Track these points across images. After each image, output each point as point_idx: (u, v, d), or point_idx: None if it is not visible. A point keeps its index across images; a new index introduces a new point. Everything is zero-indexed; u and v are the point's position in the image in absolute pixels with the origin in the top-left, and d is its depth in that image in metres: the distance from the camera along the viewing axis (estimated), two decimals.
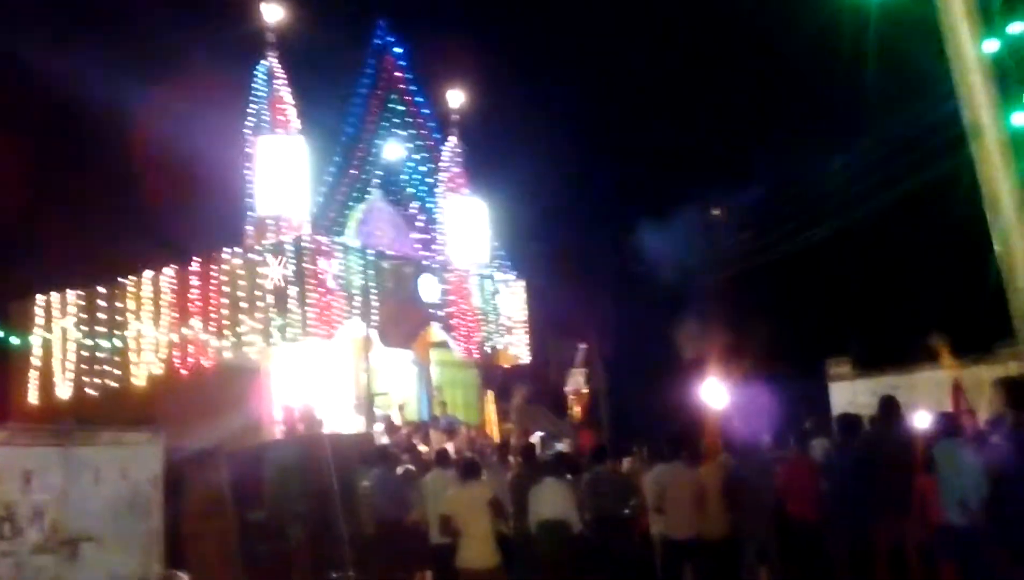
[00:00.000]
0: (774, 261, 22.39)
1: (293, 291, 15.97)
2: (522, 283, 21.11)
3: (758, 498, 9.61)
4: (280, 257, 16.12)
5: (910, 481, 9.00)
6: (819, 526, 9.67)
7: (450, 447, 13.48)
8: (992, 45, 9.90)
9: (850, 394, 17.71)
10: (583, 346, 16.68)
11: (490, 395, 18.74)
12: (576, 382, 17.41)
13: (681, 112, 27.36)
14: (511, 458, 12.56)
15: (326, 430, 13.77)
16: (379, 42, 20.57)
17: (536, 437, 14.89)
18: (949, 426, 9.19)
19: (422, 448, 13.80)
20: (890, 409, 9.70)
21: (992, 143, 5.15)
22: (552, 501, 10.27)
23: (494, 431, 17.41)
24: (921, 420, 10.40)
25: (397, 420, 15.83)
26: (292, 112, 17.51)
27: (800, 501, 9.66)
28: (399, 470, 11.57)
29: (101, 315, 18.17)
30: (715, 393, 18.55)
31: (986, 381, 13.85)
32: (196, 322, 16.85)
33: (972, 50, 5.20)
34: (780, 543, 9.59)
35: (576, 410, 17.30)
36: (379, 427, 15.15)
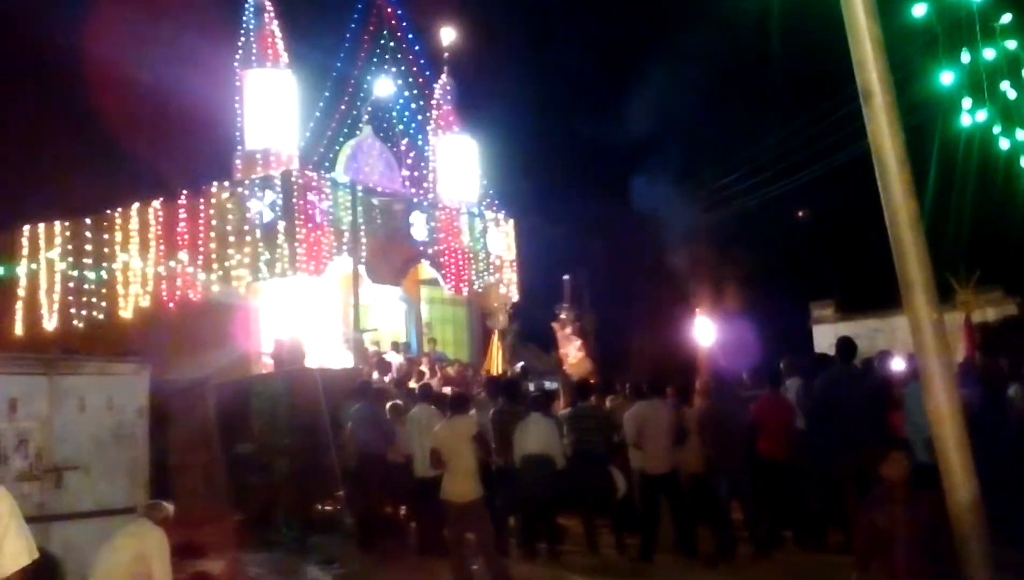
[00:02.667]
0: (764, 202, 22.45)
1: (281, 226, 15.97)
2: (511, 222, 21.13)
3: (732, 435, 9.74)
4: (269, 191, 16.09)
5: (869, 418, 9.18)
6: (790, 464, 9.88)
7: (437, 383, 13.61)
8: (920, 9, 10.08)
9: (832, 336, 17.91)
10: (567, 278, 16.69)
11: (498, 334, 18.65)
12: (563, 318, 17.43)
13: (674, 51, 27.15)
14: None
15: (313, 365, 13.88)
16: None
17: (518, 367, 15.00)
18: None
19: (411, 384, 13.90)
20: (846, 350, 9.86)
21: (880, 105, 5.49)
22: (537, 436, 10.43)
23: (496, 368, 17.38)
24: (897, 363, 10.64)
25: (393, 358, 15.89)
26: (281, 46, 17.35)
27: (771, 440, 9.83)
28: (388, 405, 11.68)
29: (88, 247, 18.13)
30: (703, 332, 18.70)
31: (955, 326, 14.12)
32: (184, 255, 16.85)
33: (864, 20, 5.52)
34: (753, 480, 9.74)
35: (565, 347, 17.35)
36: (371, 362, 15.24)
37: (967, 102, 11.92)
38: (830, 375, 9.95)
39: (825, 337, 16.70)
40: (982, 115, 12.01)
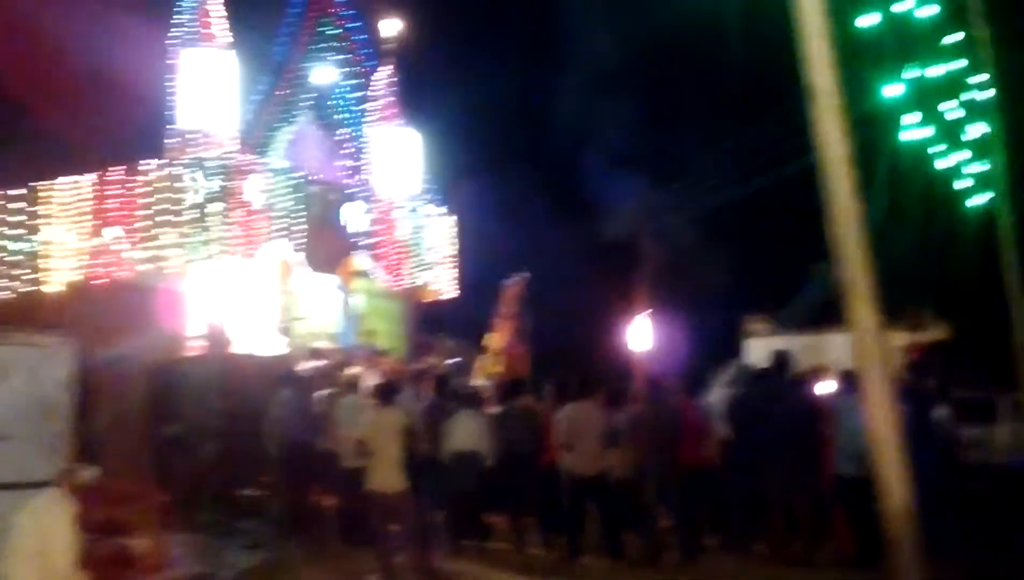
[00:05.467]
0: (707, 212, 22.63)
1: (215, 208, 15.73)
2: (452, 217, 21.09)
3: (662, 440, 9.88)
4: (202, 172, 15.84)
5: (798, 431, 9.49)
6: (715, 472, 10.12)
7: (369, 375, 13.53)
8: (872, 19, 10.31)
9: (764, 350, 18.18)
10: (506, 282, 16.69)
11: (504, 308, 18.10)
12: (499, 318, 17.38)
13: (621, 47, 27.25)
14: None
15: (240, 351, 13.73)
16: None
17: (449, 366, 14.99)
18: (850, 383, 9.64)
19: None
20: (781, 363, 10.23)
21: (827, 106, 5.58)
22: (465, 433, 10.51)
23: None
24: (829, 378, 10.92)
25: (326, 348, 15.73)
26: (221, 26, 17.07)
27: (687, 447, 9.99)
28: (323, 393, 11.61)
29: (14, 218, 17.68)
30: (639, 337, 18.85)
31: (894, 346, 14.49)
32: (115, 232, 16.49)
33: (815, 18, 5.60)
34: (681, 487, 9.88)
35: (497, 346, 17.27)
36: (301, 351, 15.10)
37: (910, 117, 12.16)
38: (764, 386, 10.30)
39: (758, 351, 16.96)
40: (925, 132, 12.27)
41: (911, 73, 11.86)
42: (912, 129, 12.37)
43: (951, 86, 12.19)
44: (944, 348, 18.89)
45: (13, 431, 7.94)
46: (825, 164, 5.57)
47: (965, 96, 12.24)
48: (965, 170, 12.91)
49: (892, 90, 11.98)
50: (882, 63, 11.72)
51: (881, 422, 5.37)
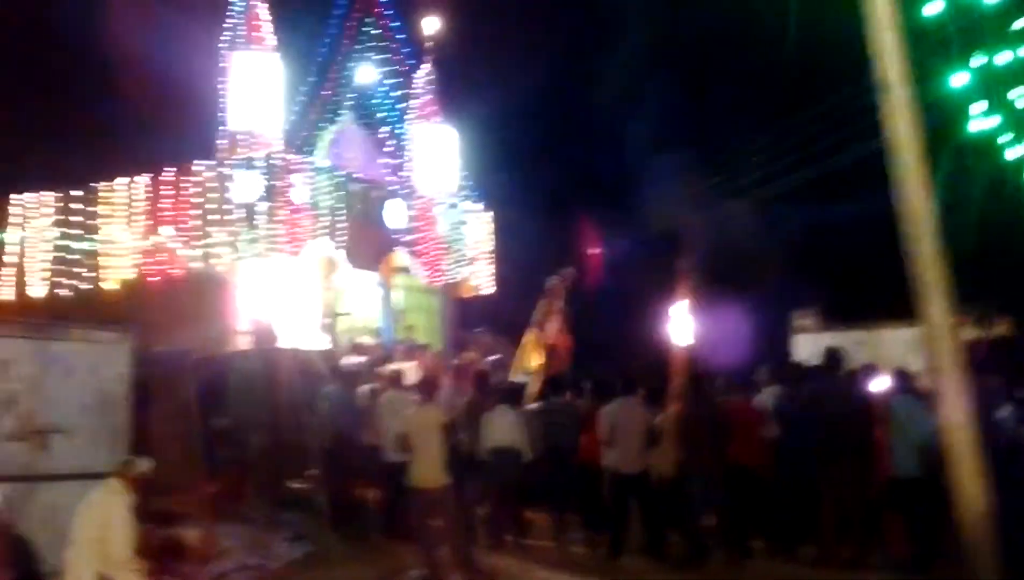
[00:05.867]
0: (755, 203, 22.37)
1: (262, 207, 16.13)
2: (490, 214, 21.33)
3: (705, 439, 9.77)
4: (251, 172, 16.24)
5: (853, 431, 9.27)
6: (764, 473, 9.90)
7: (410, 370, 13.80)
8: (936, 6, 9.94)
9: (813, 346, 18.02)
10: (552, 278, 16.78)
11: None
12: (541, 315, 17.45)
13: (667, 46, 27.15)
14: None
15: (286, 346, 14.04)
16: None
17: (489, 362, 15.19)
18: (906, 382, 9.49)
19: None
20: (834, 360, 9.94)
21: (899, 98, 5.45)
22: (503, 428, 10.63)
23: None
24: (882, 376, 10.41)
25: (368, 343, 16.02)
26: (268, 29, 17.44)
27: (742, 446, 9.85)
28: (365, 388, 11.86)
29: (75, 218, 18.21)
30: (684, 333, 18.79)
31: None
32: (167, 231, 16.96)
33: (886, 9, 5.48)
34: (726, 486, 9.75)
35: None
36: (346, 346, 15.42)
37: (977, 107, 11.54)
38: (816, 385, 10.00)
39: (806, 347, 16.79)
40: (992, 122, 11.61)
41: (978, 61, 11.34)
42: (979, 119, 11.75)
43: (1020, 73, 11.60)
44: (1009, 345, 18.52)
45: (76, 425, 8.27)
46: (897, 160, 5.40)
47: None
48: None
49: (959, 79, 11.43)
50: (948, 51, 11.25)
51: (956, 423, 5.22)
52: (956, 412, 5.26)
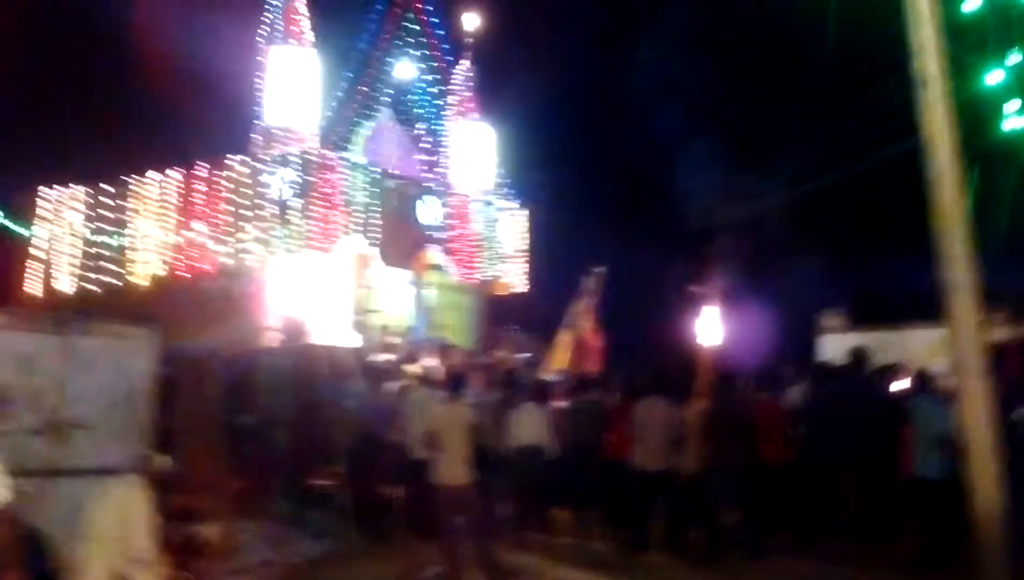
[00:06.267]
0: (784, 205, 22.17)
1: (296, 203, 16.17)
2: (525, 212, 21.25)
3: (732, 437, 9.74)
4: (287, 168, 16.29)
5: (875, 430, 9.27)
6: (789, 471, 9.87)
7: (439, 368, 13.77)
8: (974, 3, 9.79)
9: (840, 346, 17.84)
10: (587, 278, 16.66)
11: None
12: (575, 314, 17.35)
13: (701, 45, 26.91)
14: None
15: (315, 343, 14.07)
16: None
17: (519, 361, 15.12)
18: (927, 383, 9.46)
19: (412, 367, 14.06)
20: (859, 359, 9.98)
21: (937, 93, 5.37)
22: (530, 426, 10.60)
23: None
24: (906, 376, 10.58)
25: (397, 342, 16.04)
26: (306, 24, 17.50)
27: (770, 444, 9.83)
28: (394, 386, 11.84)
29: (106, 213, 18.38)
30: (711, 331, 18.65)
31: None
32: (199, 226, 17.08)
33: (926, 3, 5.38)
34: (751, 483, 9.71)
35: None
36: (375, 344, 15.42)
37: (1013, 105, 11.42)
38: (839, 383, 10.04)
39: (833, 347, 16.59)
40: None
41: (1014, 59, 11.20)
42: (1014, 117, 11.62)
43: None
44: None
45: (97, 420, 8.29)
46: (932, 156, 5.35)
47: None
48: None
49: (994, 77, 11.32)
50: (984, 48, 11.13)
51: (976, 422, 5.20)
52: (976, 413, 5.17)
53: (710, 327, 18.71)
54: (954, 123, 5.32)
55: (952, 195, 5.27)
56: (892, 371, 11.10)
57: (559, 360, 16.27)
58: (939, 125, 5.34)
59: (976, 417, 5.23)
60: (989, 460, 5.17)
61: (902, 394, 10.13)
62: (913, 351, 12.89)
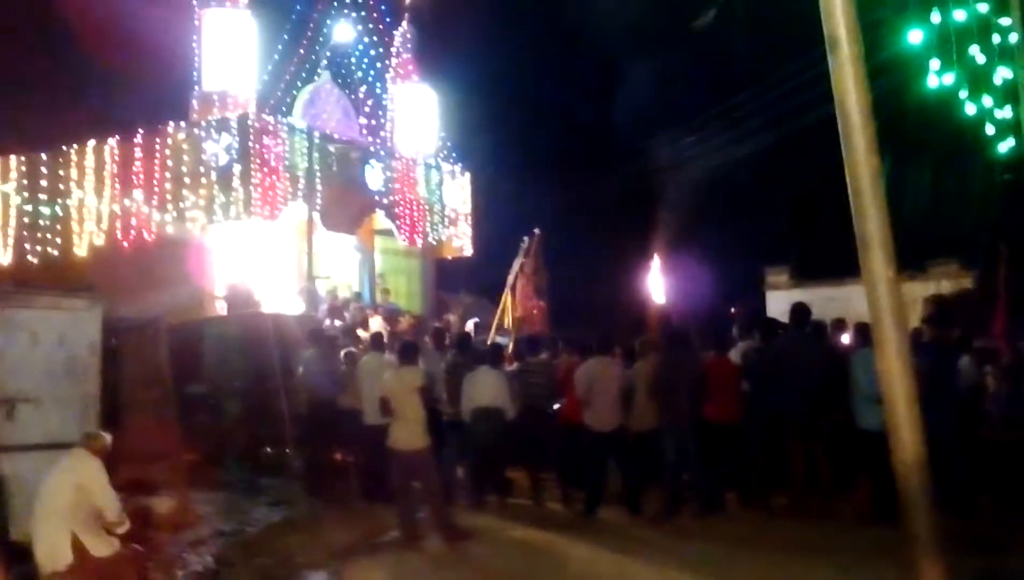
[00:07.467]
0: (725, 164, 22.41)
1: (237, 169, 15.87)
2: (468, 175, 21.14)
3: (680, 394, 9.77)
4: (225, 134, 15.97)
5: (817, 385, 9.40)
6: (737, 428, 9.99)
7: (388, 333, 13.69)
8: None
9: (786, 302, 18.18)
10: (526, 238, 16.66)
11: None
12: (518, 274, 17.34)
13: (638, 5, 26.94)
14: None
15: (263, 310, 13.88)
16: None
17: (470, 324, 15.08)
18: (865, 336, 9.60)
19: (361, 333, 13.96)
20: (800, 315, 10.07)
21: (846, 56, 5.47)
22: (486, 389, 10.60)
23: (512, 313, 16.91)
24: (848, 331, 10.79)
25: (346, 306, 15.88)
26: None
27: (717, 402, 9.90)
28: (341, 353, 11.75)
29: (43, 182, 17.89)
30: (656, 290, 18.85)
31: (918, 298, 14.33)
32: (139, 194, 16.71)
33: None
34: (699, 440, 9.77)
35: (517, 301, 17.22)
36: (323, 309, 15.26)
37: (934, 64, 11.64)
38: (784, 339, 10.18)
39: (778, 303, 16.84)
40: (949, 78, 11.73)
41: (935, 18, 11.44)
42: (936, 75, 11.89)
43: (976, 31, 11.71)
44: (969, 299, 18.69)
45: (43, 394, 8.10)
46: (843, 117, 5.46)
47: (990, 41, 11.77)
48: (993, 116, 12.43)
49: (915, 36, 11.56)
50: (905, 8, 11.33)
51: (894, 374, 5.33)
52: (893, 365, 5.30)
53: (657, 285, 18.88)
54: (864, 83, 5.43)
55: (864, 153, 5.39)
56: (835, 327, 11.33)
57: (504, 322, 16.28)
58: (849, 86, 5.44)
59: (892, 370, 5.35)
60: (907, 412, 5.30)
61: (845, 348, 10.32)
62: (856, 306, 13.14)
